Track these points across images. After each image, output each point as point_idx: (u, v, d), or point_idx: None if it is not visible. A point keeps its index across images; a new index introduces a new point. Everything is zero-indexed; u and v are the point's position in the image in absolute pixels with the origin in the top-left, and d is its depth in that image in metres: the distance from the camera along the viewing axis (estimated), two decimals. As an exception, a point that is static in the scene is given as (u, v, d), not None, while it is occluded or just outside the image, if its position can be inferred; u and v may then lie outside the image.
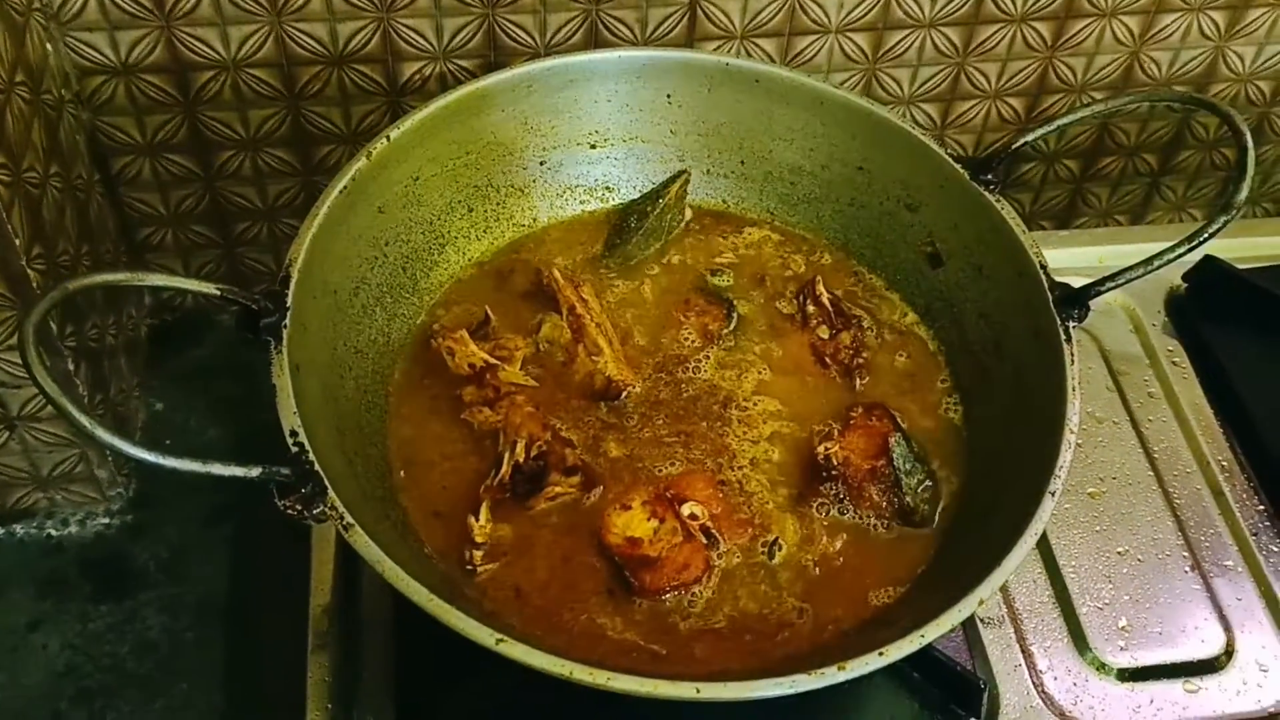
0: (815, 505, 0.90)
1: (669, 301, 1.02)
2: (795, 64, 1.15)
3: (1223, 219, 0.86)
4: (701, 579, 0.85)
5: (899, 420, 0.93)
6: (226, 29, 1.03)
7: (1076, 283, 0.90)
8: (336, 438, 0.83)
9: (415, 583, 0.71)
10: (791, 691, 0.70)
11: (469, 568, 0.84)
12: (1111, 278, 0.89)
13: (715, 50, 1.12)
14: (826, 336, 1.00)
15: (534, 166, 1.05)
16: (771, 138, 1.05)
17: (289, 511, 0.72)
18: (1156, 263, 0.88)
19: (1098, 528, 1.01)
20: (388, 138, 0.93)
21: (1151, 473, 1.05)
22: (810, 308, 1.01)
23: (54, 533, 1.07)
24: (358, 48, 1.07)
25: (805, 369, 0.98)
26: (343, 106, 1.11)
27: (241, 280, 1.24)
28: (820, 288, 1.01)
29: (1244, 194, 0.86)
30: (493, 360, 0.93)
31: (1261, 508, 1.04)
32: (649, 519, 0.87)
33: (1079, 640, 0.94)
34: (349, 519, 0.72)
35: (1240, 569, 0.99)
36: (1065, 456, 0.81)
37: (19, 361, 0.89)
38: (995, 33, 1.16)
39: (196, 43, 1.04)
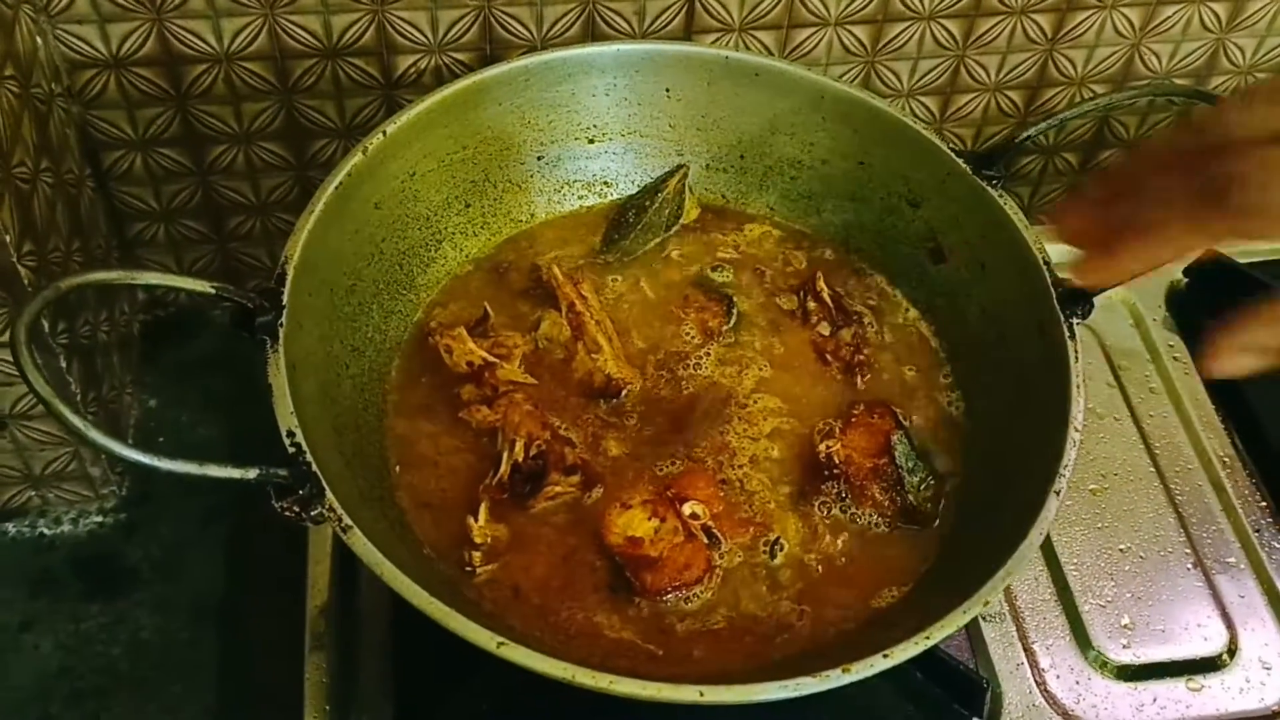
0: (817, 504, 0.89)
1: (668, 298, 1.01)
2: (794, 56, 1.14)
3: (1228, 215, 0.85)
4: (703, 579, 0.84)
5: (901, 418, 0.93)
6: (219, 21, 1.02)
7: (1079, 279, 0.90)
8: (333, 437, 0.82)
9: (415, 585, 0.70)
10: (795, 694, 0.69)
11: (468, 569, 0.83)
12: (1116, 274, 0.88)
13: (713, 43, 1.12)
14: (827, 333, 0.99)
15: (531, 161, 1.04)
16: (772, 132, 1.04)
17: (286, 513, 0.71)
18: (1161, 259, 0.87)
19: (1099, 524, 1.00)
20: (384, 133, 0.92)
21: (1153, 469, 1.05)
22: (811, 304, 1.00)
23: (46, 531, 1.07)
24: (352, 41, 1.06)
25: (806, 366, 0.98)
26: (337, 100, 1.10)
27: (235, 275, 1.23)
28: (821, 284, 1.01)
29: (1250, 190, 0.85)
30: (491, 358, 0.92)
31: (1264, 504, 1.03)
32: (650, 518, 0.86)
33: (1081, 638, 0.94)
34: (347, 520, 0.71)
35: (1243, 566, 0.99)
36: (1070, 454, 0.80)
37: (10, 360, 0.89)
38: (995, 25, 1.16)
39: (188, 35, 1.03)
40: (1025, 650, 0.93)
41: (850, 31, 1.13)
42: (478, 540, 0.84)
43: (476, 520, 0.84)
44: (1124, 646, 0.93)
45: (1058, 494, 0.78)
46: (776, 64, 1.03)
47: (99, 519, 1.07)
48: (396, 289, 0.97)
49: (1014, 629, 0.94)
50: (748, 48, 1.12)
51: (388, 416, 0.92)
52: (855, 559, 0.87)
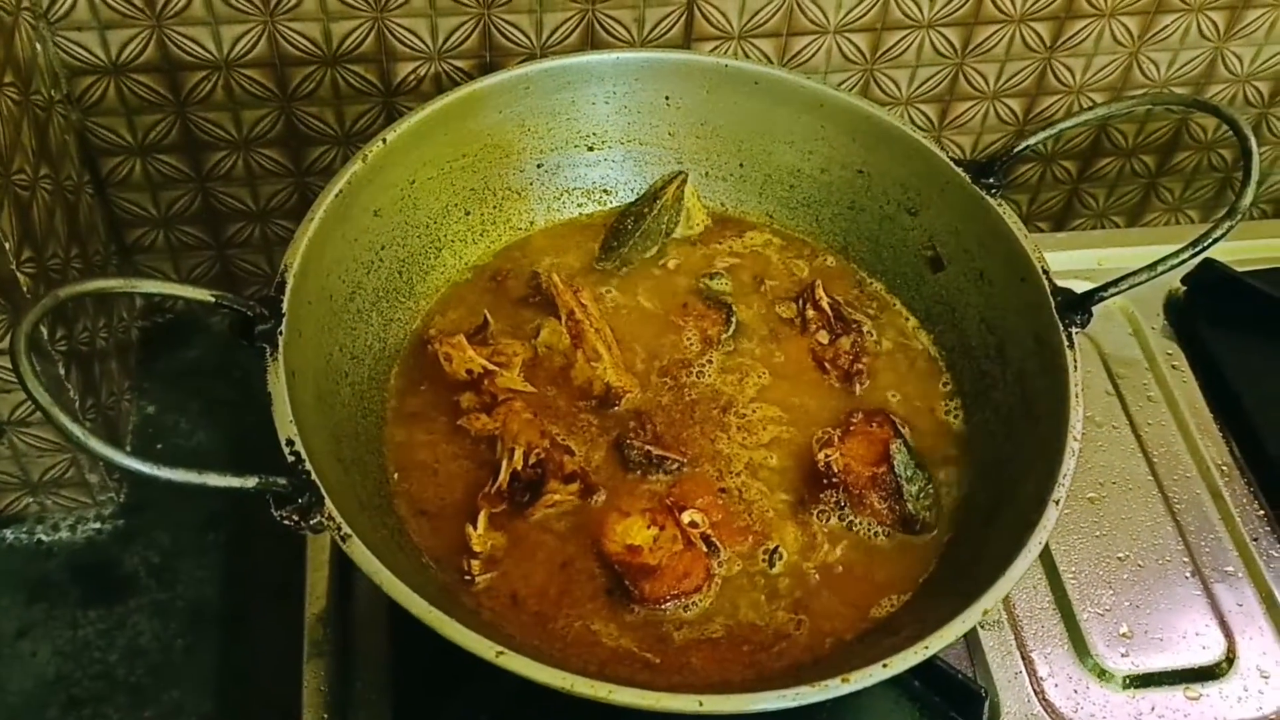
0: (816, 513, 0.89)
1: (667, 306, 1.01)
2: (793, 65, 1.14)
3: (1228, 223, 0.86)
4: (702, 587, 0.84)
5: (900, 426, 0.93)
6: (218, 28, 1.02)
7: (1076, 286, 0.90)
8: (333, 445, 0.82)
9: (414, 594, 0.70)
10: (795, 704, 0.69)
11: (467, 577, 0.83)
12: (1115, 283, 0.89)
13: (713, 51, 1.12)
14: (826, 341, 0.99)
15: (531, 169, 1.04)
16: (771, 140, 1.04)
17: (285, 522, 0.71)
18: (1161, 268, 0.88)
19: (1097, 533, 1.00)
20: (383, 140, 0.92)
21: (1151, 477, 1.05)
22: (810, 312, 1.00)
23: (44, 538, 1.06)
24: (352, 48, 1.06)
25: (805, 374, 0.98)
26: (336, 107, 1.10)
27: (233, 282, 1.23)
28: (820, 292, 1.01)
29: (1249, 198, 0.86)
30: (491, 366, 0.92)
31: (1261, 512, 1.03)
32: (649, 527, 0.86)
33: (1079, 647, 0.94)
34: (346, 529, 0.71)
35: (1241, 574, 0.99)
36: (1069, 463, 0.80)
37: (9, 367, 0.89)
38: (994, 33, 1.16)
39: (188, 42, 1.03)
40: (1024, 659, 0.93)
41: (849, 39, 1.13)
42: (477, 548, 0.84)
43: (476, 529, 0.84)
44: (1122, 655, 0.93)
45: (1056, 503, 0.78)
46: (775, 72, 1.03)
47: (97, 525, 1.07)
48: (396, 297, 0.97)
49: (1012, 638, 0.94)
50: (747, 56, 1.12)
51: (387, 424, 0.92)
52: (854, 568, 0.87)
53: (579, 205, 1.07)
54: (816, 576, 0.86)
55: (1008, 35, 1.16)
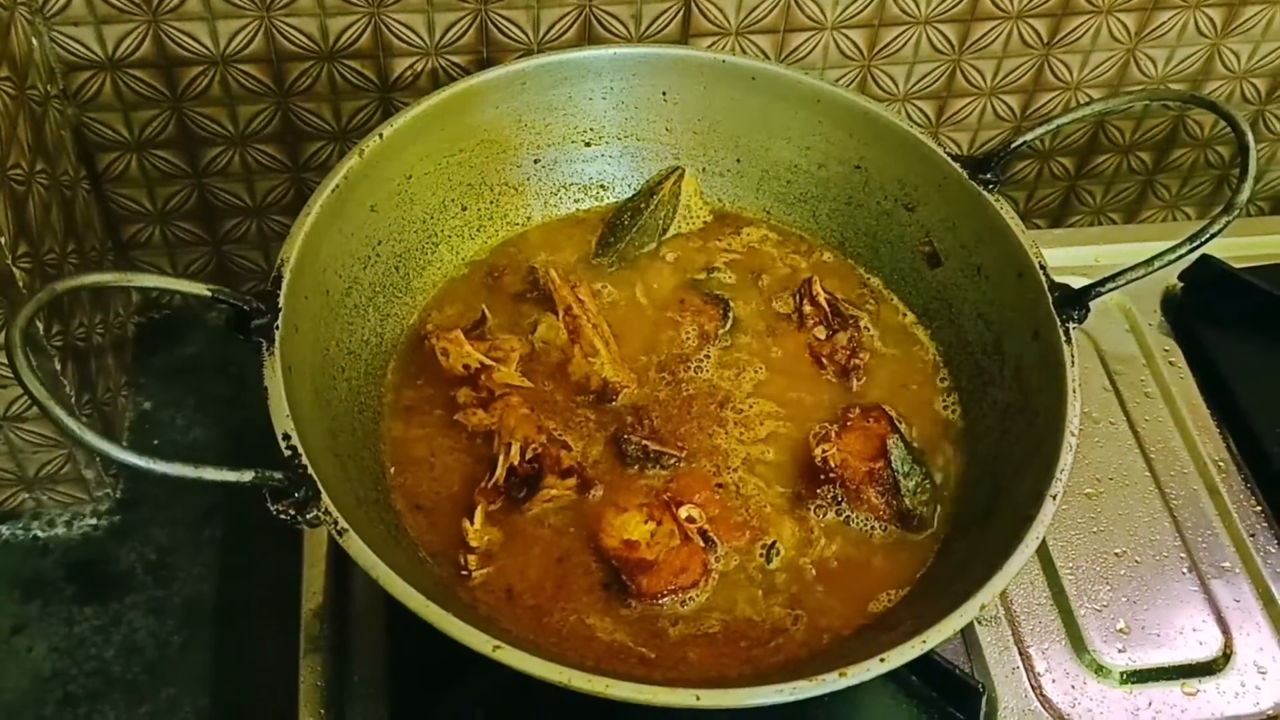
0: (813, 508, 0.89)
1: (664, 301, 1.01)
2: (790, 60, 1.14)
3: (1224, 219, 0.86)
4: (699, 582, 0.84)
5: (897, 421, 0.93)
6: (215, 23, 1.02)
7: (1074, 282, 0.90)
8: (329, 440, 0.82)
9: (410, 589, 0.70)
10: (792, 698, 0.69)
11: (463, 572, 0.83)
12: (1112, 278, 0.89)
13: (710, 46, 1.12)
14: (823, 337, 0.99)
15: (528, 164, 1.04)
16: (768, 135, 1.04)
17: (282, 516, 0.71)
18: (1158, 263, 0.88)
19: (1095, 529, 1.00)
20: (380, 135, 0.92)
21: (1148, 473, 1.05)
22: (807, 308, 1.00)
23: (40, 534, 1.06)
24: (348, 43, 1.05)
25: (802, 369, 0.98)
26: (333, 103, 1.10)
27: (230, 278, 1.22)
28: (817, 287, 1.01)
29: (1245, 194, 0.86)
30: (488, 361, 0.92)
31: (1259, 508, 1.03)
32: (646, 522, 0.86)
33: (1077, 642, 0.94)
34: (343, 524, 0.71)
35: (1238, 570, 0.99)
36: (1066, 459, 0.80)
37: (4, 362, 0.89)
38: (991, 29, 1.16)
39: (184, 37, 1.02)
40: (1021, 654, 0.93)
41: (847, 36, 1.13)
42: (473, 543, 0.84)
43: (472, 523, 0.84)
44: (1119, 651, 0.93)
45: (1054, 498, 0.78)
46: (773, 68, 1.03)
47: (93, 521, 1.07)
48: (393, 292, 0.96)
49: (1010, 633, 0.94)
50: (744, 51, 1.12)
51: (383, 419, 0.92)
52: (851, 563, 0.87)
53: (576, 201, 1.07)
54: (813, 572, 0.86)
55: (1005, 31, 1.16)
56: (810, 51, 1.14)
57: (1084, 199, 1.37)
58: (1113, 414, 1.09)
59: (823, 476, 0.89)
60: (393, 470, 0.89)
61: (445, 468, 0.89)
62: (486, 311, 0.97)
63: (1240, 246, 1.20)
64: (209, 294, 0.77)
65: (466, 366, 0.92)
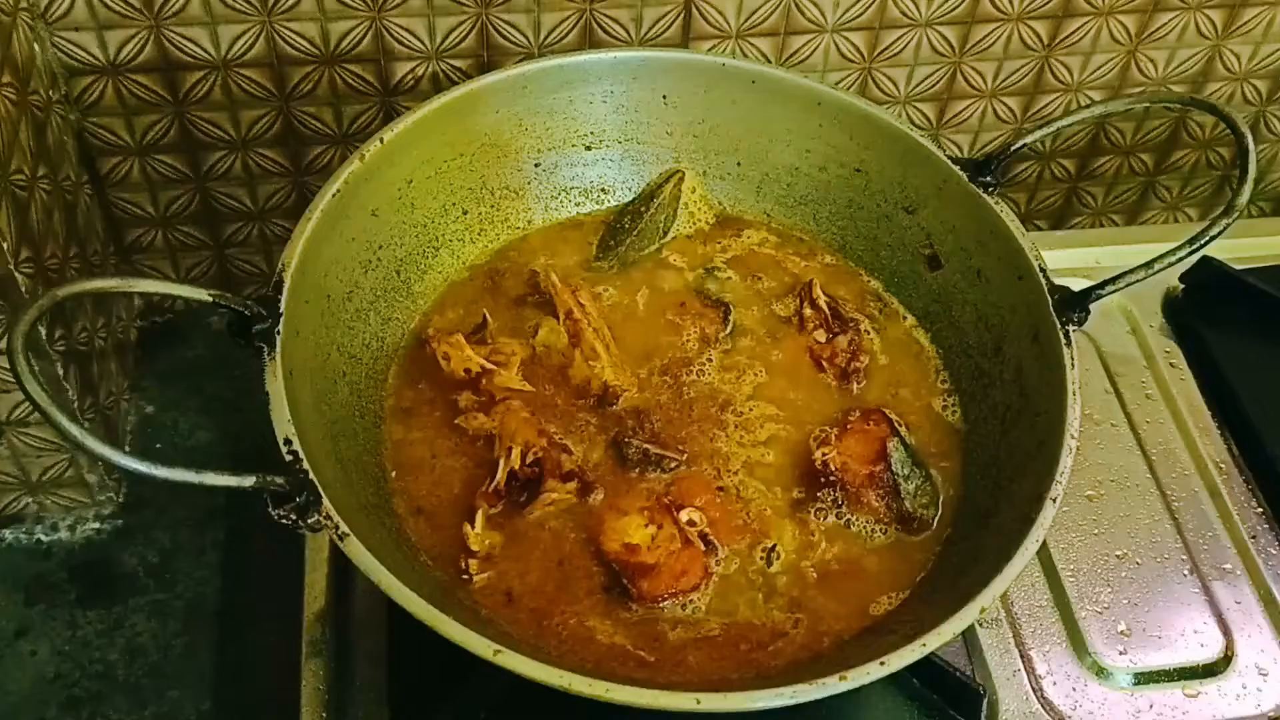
0: (813, 511, 0.89)
1: (665, 304, 1.01)
2: (791, 63, 1.14)
3: (1225, 221, 0.86)
4: (700, 586, 0.84)
5: (897, 424, 0.93)
6: (216, 28, 1.02)
7: (1074, 284, 0.90)
8: (330, 444, 0.82)
9: (411, 593, 0.70)
10: (792, 701, 0.69)
11: (465, 576, 0.83)
12: (1113, 280, 0.89)
13: (710, 50, 1.12)
14: (824, 340, 0.99)
15: (529, 168, 1.04)
16: (768, 139, 1.04)
17: (283, 521, 0.71)
18: (1158, 265, 0.88)
19: (1096, 531, 1.00)
20: (381, 140, 0.92)
21: (1149, 475, 1.05)
22: (807, 310, 1.00)
23: (43, 538, 1.06)
24: (349, 47, 1.06)
25: (802, 372, 0.98)
26: (334, 107, 1.10)
27: (231, 282, 1.23)
28: (817, 290, 1.01)
29: (1246, 196, 0.86)
30: (489, 365, 0.92)
31: (1260, 510, 1.03)
32: (646, 525, 0.86)
33: (1078, 644, 0.94)
34: (344, 528, 0.71)
35: (1239, 572, 0.99)
36: (1066, 461, 0.80)
37: (7, 368, 0.89)
38: (991, 32, 1.16)
39: (186, 42, 1.03)
40: (1022, 657, 0.93)
41: (847, 38, 1.13)
42: (474, 547, 0.84)
43: (473, 527, 0.84)
44: (1121, 653, 0.93)
45: (1054, 500, 0.78)
46: (773, 71, 1.03)
47: (96, 525, 1.07)
48: (394, 296, 0.97)
49: (1011, 635, 0.94)
50: (745, 54, 1.13)
51: (384, 423, 0.92)
52: (851, 566, 0.87)
53: (577, 204, 1.07)
54: (814, 575, 0.86)
55: (1005, 34, 1.16)
56: (811, 54, 1.14)
57: (1085, 201, 1.37)
58: (1114, 416, 1.09)
59: (823, 479, 0.89)
60: (394, 474, 0.89)
61: (446, 471, 0.89)
62: (487, 315, 0.97)
63: (1241, 248, 1.20)
64: (211, 299, 0.77)
65: (467, 370, 0.92)
